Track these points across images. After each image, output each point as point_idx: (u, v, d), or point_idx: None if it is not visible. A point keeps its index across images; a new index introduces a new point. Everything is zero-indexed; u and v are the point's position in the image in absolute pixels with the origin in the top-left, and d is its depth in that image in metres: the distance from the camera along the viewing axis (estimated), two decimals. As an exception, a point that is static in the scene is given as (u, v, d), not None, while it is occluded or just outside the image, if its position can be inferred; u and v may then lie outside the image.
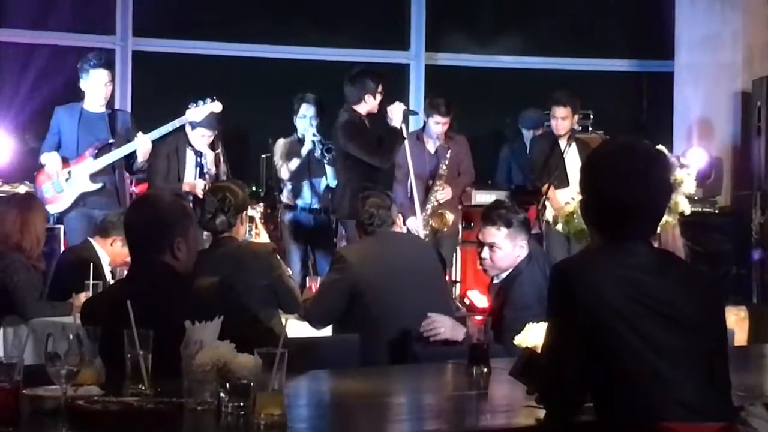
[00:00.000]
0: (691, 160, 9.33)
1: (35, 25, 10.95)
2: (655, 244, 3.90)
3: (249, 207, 6.52)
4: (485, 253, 5.47)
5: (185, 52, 11.56)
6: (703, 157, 10.10)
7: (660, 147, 3.77)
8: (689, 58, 10.91)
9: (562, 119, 9.32)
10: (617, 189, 3.08)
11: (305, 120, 8.92)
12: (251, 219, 8.53)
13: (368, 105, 8.65)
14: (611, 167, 3.12)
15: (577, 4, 12.27)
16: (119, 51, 11.15)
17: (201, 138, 8.53)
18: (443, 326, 5.28)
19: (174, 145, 8.56)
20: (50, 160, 8.29)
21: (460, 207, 9.69)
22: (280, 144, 9.08)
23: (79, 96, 8.44)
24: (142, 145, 8.24)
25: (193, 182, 8.50)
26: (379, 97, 8.66)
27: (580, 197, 3.25)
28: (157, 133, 8.36)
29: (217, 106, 8.54)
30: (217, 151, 8.62)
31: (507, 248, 5.43)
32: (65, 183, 8.27)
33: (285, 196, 9.08)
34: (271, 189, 10.14)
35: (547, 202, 8.82)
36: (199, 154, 8.57)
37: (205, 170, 8.53)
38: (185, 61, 11.49)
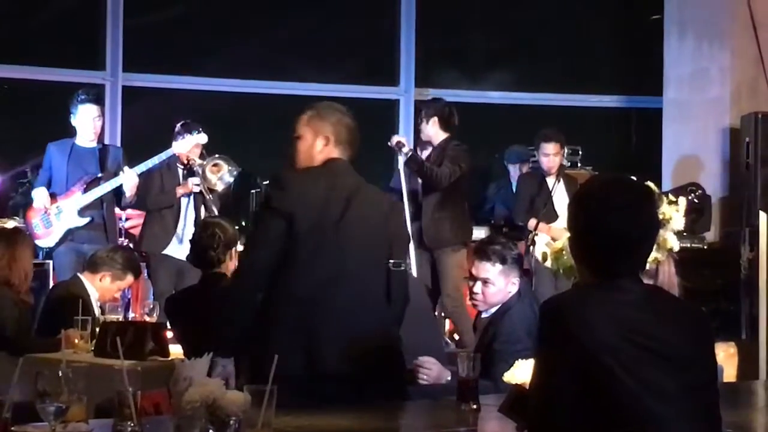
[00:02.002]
0: (690, 195, 9.36)
1: (25, 61, 10.97)
2: (651, 281, 3.90)
3: (238, 243, 6.51)
4: (477, 287, 5.46)
5: (175, 87, 11.59)
6: (697, 194, 10.09)
7: (648, 183, 3.78)
8: (677, 94, 10.95)
9: (554, 155, 9.36)
10: (605, 225, 3.06)
11: None
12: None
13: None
14: (598, 203, 3.10)
15: (565, 41, 12.33)
16: (109, 86, 11.16)
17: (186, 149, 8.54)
18: (431, 371, 5.24)
19: (164, 163, 8.57)
20: (39, 195, 8.32)
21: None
22: None
23: (71, 131, 8.50)
24: (128, 180, 8.27)
25: (185, 185, 8.52)
26: (422, 123, 9.14)
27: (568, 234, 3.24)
28: (143, 167, 8.38)
29: (202, 138, 8.57)
30: (203, 162, 8.58)
31: (500, 284, 5.42)
32: (54, 218, 8.28)
33: None
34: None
35: (536, 239, 8.84)
36: (187, 168, 8.59)
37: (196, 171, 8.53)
38: (175, 96, 11.51)
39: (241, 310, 4.50)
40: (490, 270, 5.42)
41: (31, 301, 7.01)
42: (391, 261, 4.62)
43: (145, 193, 8.57)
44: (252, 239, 4.64)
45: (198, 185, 8.47)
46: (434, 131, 9.01)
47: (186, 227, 8.44)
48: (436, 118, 9.02)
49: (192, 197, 8.56)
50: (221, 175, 8.56)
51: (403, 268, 4.70)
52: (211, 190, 8.51)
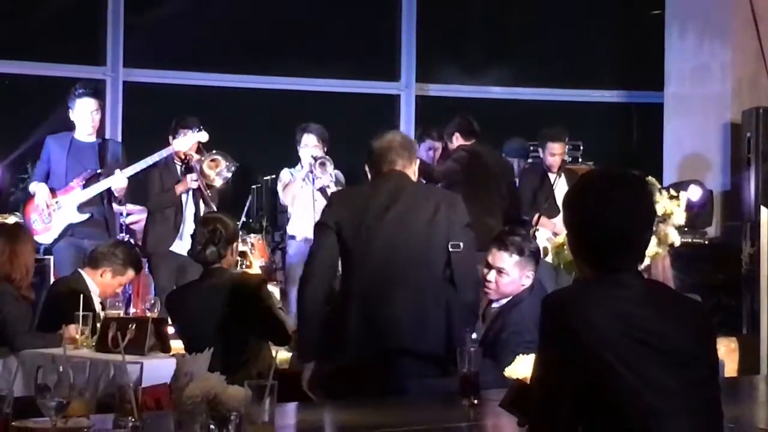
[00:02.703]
0: (691, 194, 9.37)
1: (26, 56, 10.97)
2: (645, 275, 3.89)
3: (239, 238, 6.51)
4: (491, 276, 5.45)
5: (176, 83, 11.58)
6: (698, 192, 10.08)
7: (650, 178, 3.78)
8: (678, 89, 10.95)
9: (559, 155, 9.41)
10: (603, 220, 3.04)
11: (307, 149, 8.89)
12: (241, 252, 8.54)
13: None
14: (596, 198, 3.09)
15: (566, 36, 12.32)
16: (110, 82, 11.16)
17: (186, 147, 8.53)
18: None
19: (162, 162, 8.55)
20: (39, 190, 8.30)
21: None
22: (285, 173, 9.06)
23: (71, 127, 8.48)
24: (117, 182, 8.24)
25: (183, 182, 8.50)
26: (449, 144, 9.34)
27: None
28: (138, 167, 8.35)
29: (203, 136, 8.55)
30: (200, 158, 8.57)
31: (514, 275, 5.43)
32: (53, 213, 8.26)
33: (289, 226, 9.03)
34: (260, 219, 10.12)
35: (537, 233, 8.84)
36: (185, 164, 8.58)
37: (193, 168, 8.52)
38: (176, 92, 11.51)
39: (308, 314, 5.12)
40: (507, 260, 5.43)
41: (33, 297, 6.99)
42: (450, 243, 5.02)
43: (146, 193, 8.56)
44: (310, 251, 5.28)
45: (196, 180, 8.45)
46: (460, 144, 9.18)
47: (186, 223, 8.43)
48: (457, 134, 9.14)
49: (191, 193, 8.54)
50: (219, 171, 8.54)
51: (461, 249, 5.03)
52: (210, 186, 8.49)
